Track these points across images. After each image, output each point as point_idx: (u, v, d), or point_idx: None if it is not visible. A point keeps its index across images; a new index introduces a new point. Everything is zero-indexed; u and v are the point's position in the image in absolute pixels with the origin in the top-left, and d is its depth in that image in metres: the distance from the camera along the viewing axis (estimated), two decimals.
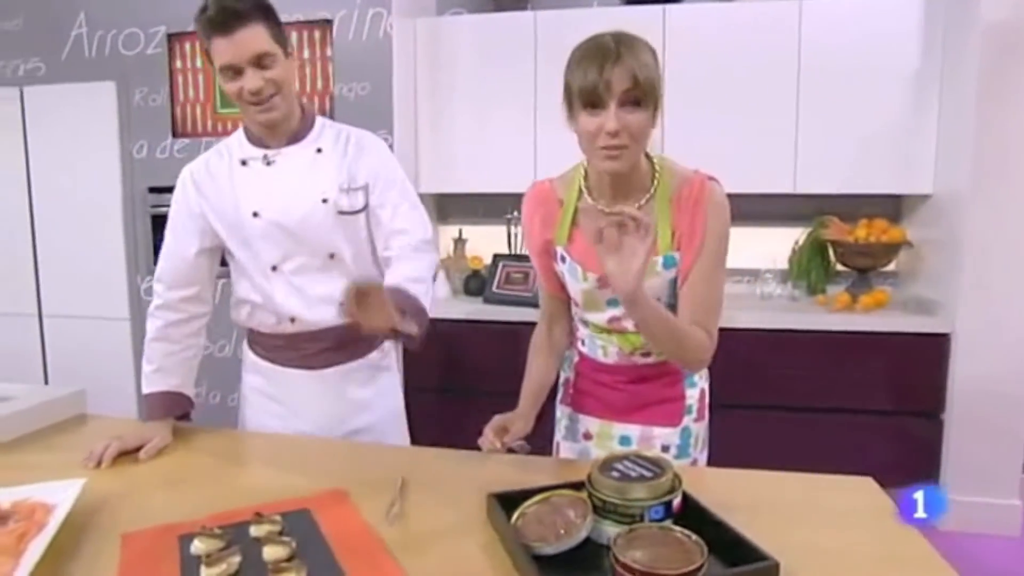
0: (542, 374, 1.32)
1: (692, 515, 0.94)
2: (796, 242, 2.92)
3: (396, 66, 2.74)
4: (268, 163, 1.36)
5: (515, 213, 2.80)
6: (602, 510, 0.93)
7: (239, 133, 1.41)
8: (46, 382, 3.25)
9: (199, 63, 2.90)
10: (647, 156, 1.16)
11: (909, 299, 2.73)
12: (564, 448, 1.38)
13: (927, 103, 2.57)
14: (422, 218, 1.43)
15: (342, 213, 1.36)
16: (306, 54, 2.79)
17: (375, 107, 2.74)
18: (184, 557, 0.89)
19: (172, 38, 2.90)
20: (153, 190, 3.00)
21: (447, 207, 3.36)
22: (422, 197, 1.52)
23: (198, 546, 0.89)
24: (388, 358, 1.54)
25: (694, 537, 0.85)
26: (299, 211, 1.34)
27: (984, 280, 2.40)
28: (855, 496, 1.09)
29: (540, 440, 1.37)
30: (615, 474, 0.96)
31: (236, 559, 0.86)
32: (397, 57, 2.75)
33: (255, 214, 1.34)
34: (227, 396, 3.10)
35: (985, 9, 2.30)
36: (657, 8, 2.73)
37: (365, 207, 1.39)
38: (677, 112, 2.74)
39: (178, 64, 2.91)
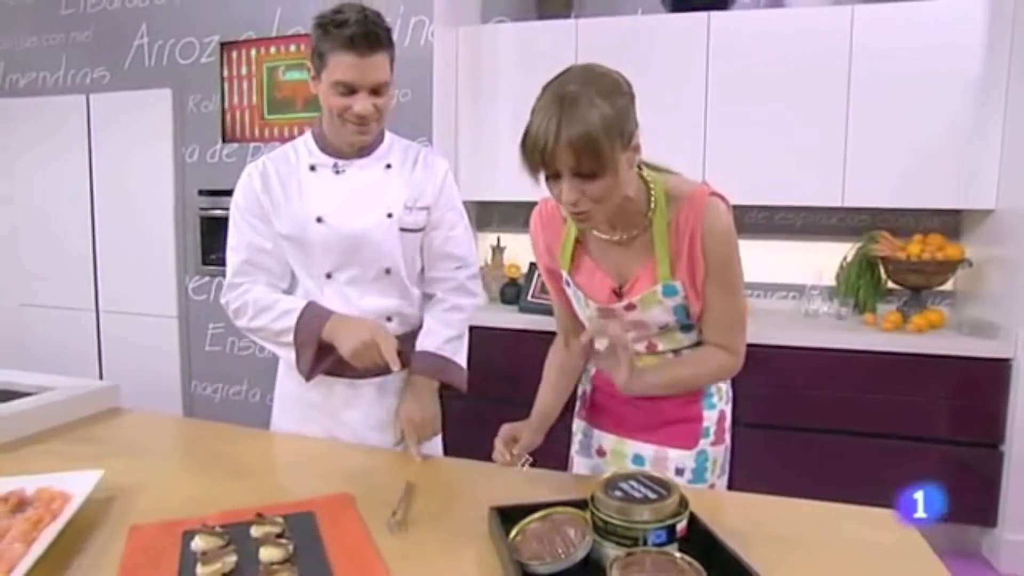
0: (555, 395, 1.30)
1: (697, 540, 0.90)
2: (844, 258, 2.80)
3: (437, 73, 2.77)
4: (337, 172, 1.36)
5: None
6: (603, 531, 0.90)
7: (308, 138, 1.40)
8: (100, 376, 3.41)
9: (244, 71, 3.00)
10: (642, 178, 1.10)
11: (966, 321, 2.56)
12: (578, 463, 1.35)
13: (991, 113, 2.42)
14: (472, 246, 1.48)
15: (404, 230, 1.37)
16: None
17: (415, 114, 2.77)
18: (184, 553, 0.90)
19: (224, 47, 3.01)
20: (203, 193, 3.11)
21: (486, 215, 3.36)
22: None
23: (198, 543, 0.90)
24: None
25: (695, 564, 0.81)
26: (363, 222, 1.34)
27: None
28: (877, 531, 1.01)
29: (555, 452, 1.35)
30: (619, 494, 0.92)
31: (232, 559, 0.87)
32: (438, 65, 2.78)
33: (319, 219, 1.33)
34: (266, 395, 3.17)
35: None
36: (702, 15, 2.67)
37: (425, 226, 1.41)
38: (721, 122, 2.68)
39: (228, 71, 3.02)
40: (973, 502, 2.36)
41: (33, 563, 0.84)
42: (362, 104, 1.24)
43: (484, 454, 1.29)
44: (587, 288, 1.17)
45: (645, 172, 1.10)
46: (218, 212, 3.11)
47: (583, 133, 0.92)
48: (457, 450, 1.42)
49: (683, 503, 0.92)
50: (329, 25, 1.21)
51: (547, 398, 1.30)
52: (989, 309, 2.50)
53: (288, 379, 1.49)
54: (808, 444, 2.45)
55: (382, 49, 1.22)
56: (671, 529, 0.89)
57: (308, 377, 1.33)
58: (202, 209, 3.12)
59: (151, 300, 3.27)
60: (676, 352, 1.19)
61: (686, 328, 1.16)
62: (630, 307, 1.12)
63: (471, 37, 2.95)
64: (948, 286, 2.69)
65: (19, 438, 1.35)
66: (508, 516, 0.97)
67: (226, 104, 3.03)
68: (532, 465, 1.25)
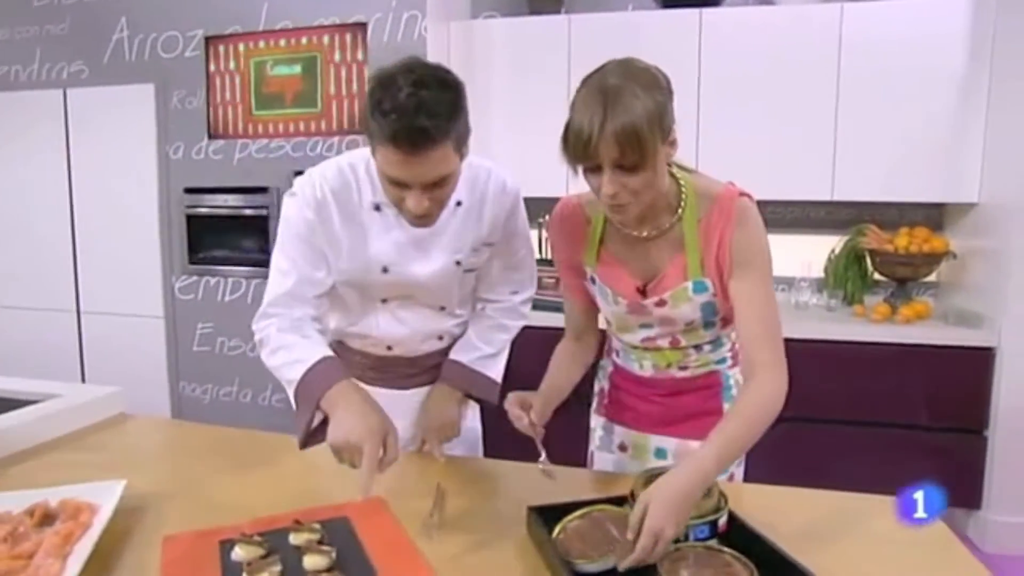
0: (563, 377, 1.24)
1: (737, 535, 0.92)
2: (832, 250, 2.86)
3: None
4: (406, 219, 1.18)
5: (546, 217, 2.80)
6: None
7: (371, 167, 1.17)
8: (83, 378, 3.32)
9: (231, 66, 2.94)
10: (672, 176, 1.11)
11: (951, 311, 2.65)
12: (599, 459, 1.36)
13: (974, 108, 2.50)
14: (533, 271, 1.40)
15: (468, 271, 1.30)
16: (338, 57, 2.81)
17: None
18: (226, 563, 0.89)
19: (210, 41, 2.94)
20: (189, 191, 3.05)
21: None
22: None
23: (239, 553, 0.89)
24: None
25: (742, 558, 0.83)
26: (430, 270, 1.24)
27: None
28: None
29: (572, 450, 1.35)
30: None
31: (277, 568, 0.86)
32: (431, 59, 2.74)
33: (385, 270, 1.22)
34: (258, 395, 3.13)
35: None
36: (694, 11, 2.69)
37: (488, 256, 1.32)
38: (713, 117, 2.71)
39: (214, 67, 2.96)
40: (959, 486, 2.44)
41: None
42: (415, 202, 1.06)
43: (502, 452, 1.29)
44: (615, 283, 1.17)
45: (674, 169, 1.11)
46: (204, 210, 3.05)
47: (628, 125, 0.93)
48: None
49: (723, 499, 0.93)
50: (377, 106, 0.99)
51: (555, 379, 1.24)
52: (972, 299, 2.58)
53: None
54: (795, 434, 2.50)
55: (436, 144, 1.00)
56: (713, 524, 0.91)
57: (302, 446, 1.16)
58: (188, 207, 3.06)
59: (136, 300, 3.20)
60: (698, 348, 1.21)
61: (708, 325, 1.18)
62: (660, 303, 1.13)
63: (463, 32, 2.93)
64: (932, 277, 2.77)
65: (25, 449, 1.31)
66: (546, 515, 0.98)
67: (212, 100, 2.96)
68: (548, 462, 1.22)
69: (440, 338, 1.37)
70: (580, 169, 1.01)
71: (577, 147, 0.97)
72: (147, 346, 3.21)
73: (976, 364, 2.41)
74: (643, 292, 1.15)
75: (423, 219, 1.12)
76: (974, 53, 2.47)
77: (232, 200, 3.00)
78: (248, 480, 1.21)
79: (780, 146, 2.66)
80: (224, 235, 3.07)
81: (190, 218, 3.06)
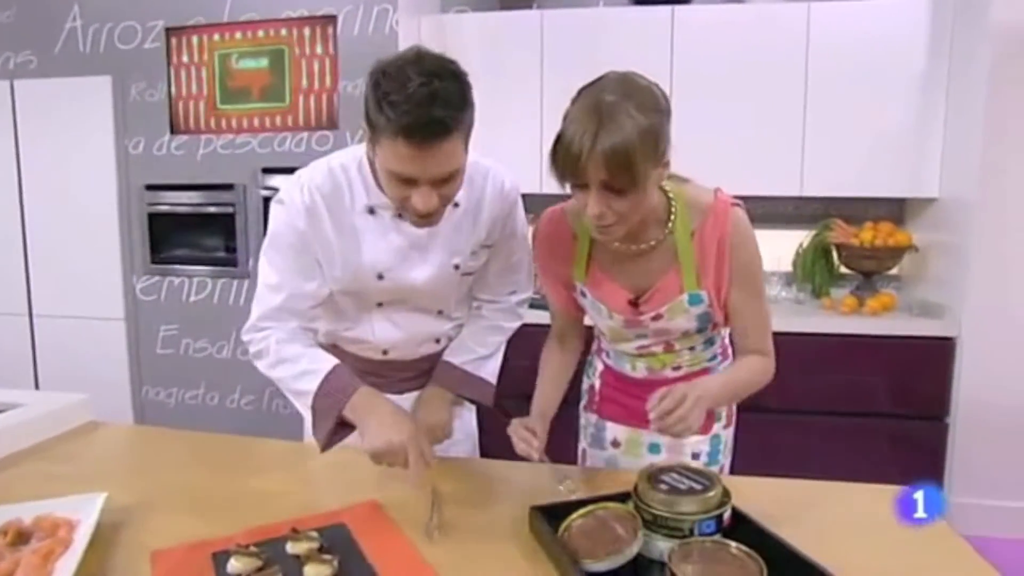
0: (554, 390, 1.26)
1: (741, 528, 0.92)
2: (800, 245, 2.92)
3: None
4: (401, 215, 1.14)
5: None
6: (652, 524, 0.91)
7: (363, 165, 1.15)
8: (36, 384, 3.17)
9: (196, 58, 2.84)
10: (661, 189, 1.09)
11: (914, 303, 2.74)
12: (591, 456, 1.36)
13: (934, 106, 2.58)
14: (529, 271, 1.37)
15: (465, 275, 1.26)
16: (307, 50, 2.74)
17: None
18: None
19: (171, 32, 2.83)
20: (150, 187, 2.94)
21: None
22: None
23: (235, 565, 0.86)
24: None
25: (750, 552, 0.83)
26: (427, 275, 1.20)
27: (990, 284, 2.42)
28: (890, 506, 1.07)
29: (563, 446, 1.35)
30: (664, 487, 0.93)
31: None
32: None
33: (380, 276, 1.18)
34: (226, 398, 3.04)
35: (994, 11, 2.31)
36: (666, 8, 2.71)
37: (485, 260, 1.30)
38: (684, 114, 2.67)
39: (176, 59, 2.85)
40: (922, 470, 2.52)
41: None
42: (423, 199, 1.01)
43: (497, 452, 1.28)
44: (607, 298, 1.16)
45: (663, 181, 1.11)
46: (166, 208, 2.94)
47: (620, 147, 0.90)
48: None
49: (726, 493, 0.94)
50: (384, 98, 0.94)
51: (547, 394, 1.25)
52: (934, 291, 2.68)
53: None
54: (766, 425, 2.55)
55: (452, 136, 0.96)
56: (719, 519, 0.91)
57: (323, 449, 1.15)
58: (150, 204, 2.94)
59: (93, 302, 3.07)
60: (691, 349, 1.22)
61: (701, 330, 1.19)
62: (657, 317, 1.13)
63: (434, 26, 2.89)
64: (895, 271, 2.86)
65: None
66: (548, 514, 0.97)
67: (174, 93, 2.85)
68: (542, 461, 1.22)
69: (437, 341, 1.34)
70: (567, 185, 0.99)
71: (566, 163, 0.94)
72: (107, 350, 3.08)
73: (938, 354, 2.50)
74: (635, 304, 1.14)
75: (428, 218, 1.07)
76: (933, 54, 2.56)
77: (196, 197, 2.90)
78: (233, 488, 1.16)
79: (751, 142, 2.70)
80: (188, 233, 2.97)
81: (152, 216, 2.95)
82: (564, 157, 0.94)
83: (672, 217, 1.09)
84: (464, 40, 2.87)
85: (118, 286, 3.03)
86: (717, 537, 0.89)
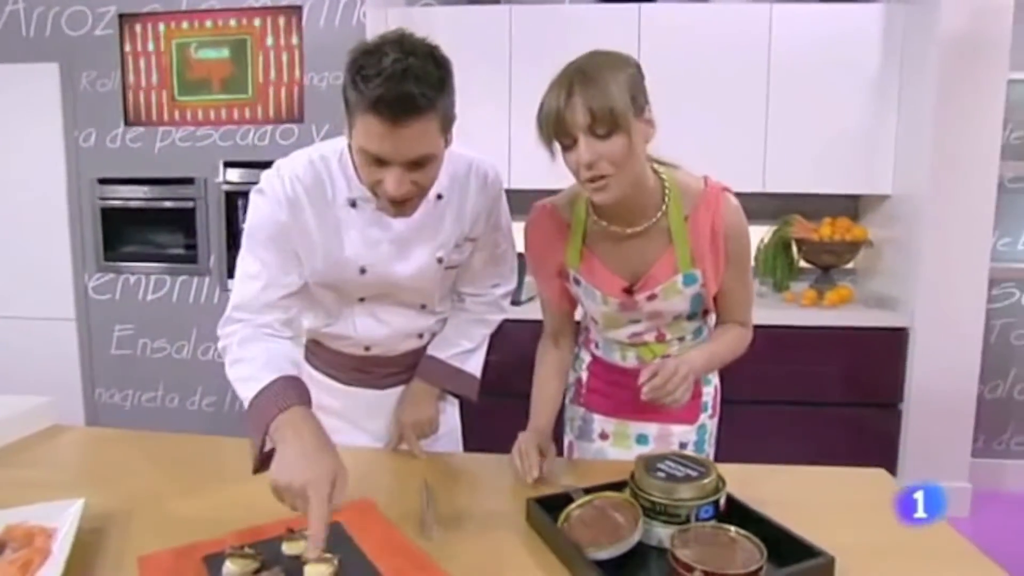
0: (554, 405, 1.27)
1: (736, 513, 0.95)
2: (762, 240, 3.01)
3: None
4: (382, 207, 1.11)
5: None
6: (651, 511, 0.92)
7: (344, 157, 1.12)
8: None
9: (152, 47, 2.73)
10: (655, 171, 1.12)
11: (869, 296, 2.86)
12: (578, 448, 1.36)
13: (887, 107, 2.69)
14: (514, 264, 1.37)
15: (449, 268, 1.24)
16: (270, 41, 2.67)
17: None
18: None
19: (124, 19, 2.71)
20: (103, 181, 2.81)
21: None
22: None
23: (231, 568, 0.83)
24: None
25: (748, 535, 0.86)
26: (410, 269, 1.18)
27: (940, 277, 2.54)
28: (878, 489, 1.11)
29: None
30: (661, 474, 0.95)
31: None
32: None
33: (363, 271, 1.16)
34: (186, 399, 2.94)
35: (943, 18, 2.42)
36: (632, 6, 2.75)
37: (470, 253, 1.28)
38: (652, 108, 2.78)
39: (130, 47, 2.73)
40: (877, 454, 2.62)
41: None
42: (395, 182, 0.97)
43: (481, 446, 1.27)
44: (602, 284, 1.17)
45: (655, 165, 1.13)
46: (119, 202, 2.82)
47: (596, 92, 0.95)
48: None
49: (721, 479, 0.96)
50: (358, 72, 0.92)
51: (547, 406, 1.25)
52: (887, 284, 2.80)
53: (309, 385, 1.36)
54: (732, 415, 2.63)
55: (425, 115, 0.93)
56: (716, 504, 0.93)
57: (255, 470, 1.00)
58: (102, 199, 2.81)
59: (41, 301, 2.92)
60: (681, 339, 1.24)
61: (692, 317, 1.21)
62: (651, 297, 1.15)
63: (402, 19, 2.84)
64: (851, 264, 2.97)
65: None
66: (545, 506, 0.97)
67: (128, 83, 2.73)
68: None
69: (420, 336, 1.32)
70: (558, 151, 1.01)
71: (549, 122, 0.99)
72: (56, 351, 2.94)
73: (892, 344, 2.61)
74: (630, 292, 1.16)
75: (401, 206, 1.03)
76: (886, 58, 2.67)
77: (153, 191, 2.79)
78: (214, 490, 1.12)
79: (715, 139, 2.75)
80: (144, 230, 2.85)
81: (105, 211, 2.82)
82: (546, 116, 0.99)
83: (666, 199, 1.12)
84: (432, 34, 2.82)
85: (68, 284, 2.88)
86: (715, 522, 0.92)
